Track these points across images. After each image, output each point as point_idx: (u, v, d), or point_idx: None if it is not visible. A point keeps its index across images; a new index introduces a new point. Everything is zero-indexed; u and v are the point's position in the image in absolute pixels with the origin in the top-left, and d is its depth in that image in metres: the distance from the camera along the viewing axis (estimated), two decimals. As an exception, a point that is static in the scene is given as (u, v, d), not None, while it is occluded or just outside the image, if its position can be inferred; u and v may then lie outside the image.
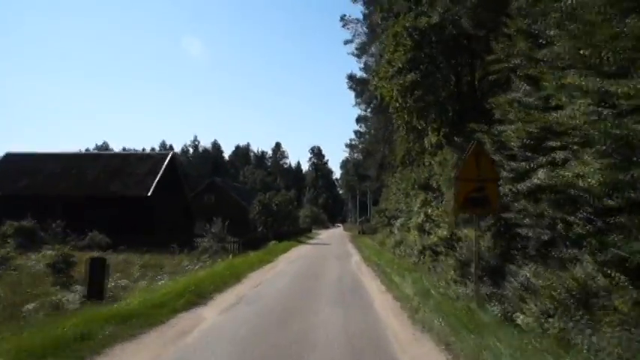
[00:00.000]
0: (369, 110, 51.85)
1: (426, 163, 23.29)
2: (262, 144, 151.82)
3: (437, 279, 11.24)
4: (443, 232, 19.15)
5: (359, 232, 53.28)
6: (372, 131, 50.58)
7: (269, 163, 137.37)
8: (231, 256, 18.69)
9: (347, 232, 66.97)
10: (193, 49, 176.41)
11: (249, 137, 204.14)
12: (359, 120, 59.00)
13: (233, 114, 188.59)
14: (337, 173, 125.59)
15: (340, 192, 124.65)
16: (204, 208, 39.60)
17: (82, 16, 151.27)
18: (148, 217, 25.93)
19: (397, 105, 22.98)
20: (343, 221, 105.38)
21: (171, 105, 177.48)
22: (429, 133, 22.36)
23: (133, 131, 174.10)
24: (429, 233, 20.91)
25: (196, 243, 22.20)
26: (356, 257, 21.86)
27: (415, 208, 22.94)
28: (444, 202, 19.82)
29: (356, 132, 65.02)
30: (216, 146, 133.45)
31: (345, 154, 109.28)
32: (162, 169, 28.72)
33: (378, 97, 33.21)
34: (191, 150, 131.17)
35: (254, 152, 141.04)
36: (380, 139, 45.62)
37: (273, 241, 30.31)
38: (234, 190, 56.62)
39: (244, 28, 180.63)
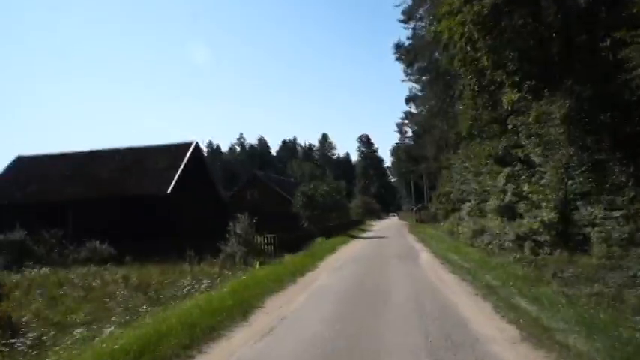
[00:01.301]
0: (420, 83, 46.15)
1: (509, 126, 18.16)
2: (309, 137, 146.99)
3: (600, 301, 5.96)
4: (549, 214, 14.12)
5: (416, 221, 48.90)
6: (426, 106, 44.76)
7: (317, 156, 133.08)
8: (257, 265, 14.05)
9: (403, 221, 61.86)
10: (232, 47, 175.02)
11: (296, 131, 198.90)
12: (409, 100, 53.86)
13: (278, 109, 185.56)
14: (387, 161, 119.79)
15: (392, 180, 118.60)
16: (246, 205, 35.37)
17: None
18: (168, 218, 21.78)
19: (466, 54, 18.34)
20: (398, 210, 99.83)
21: (216, 104, 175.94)
22: (508, 89, 17.50)
23: (178, 135, 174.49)
24: (522, 216, 16.05)
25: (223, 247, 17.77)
26: (425, 255, 16.61)
27: (499, 186, 18.01)
28: (547, 173, 14.67)
29: (406, 113, 59.64)
30: (262, 142, 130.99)
31: (395, 138, 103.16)
32: (185, 161, 24.49)
33: (439, 44, 27.60)
34: (238, 148, 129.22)
35: (301, 146, 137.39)
36: (436, 112, 39.79)
37: (320, 238, 25.46)
38: (279, 184, 52.21)
39: (285, 21, 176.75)
